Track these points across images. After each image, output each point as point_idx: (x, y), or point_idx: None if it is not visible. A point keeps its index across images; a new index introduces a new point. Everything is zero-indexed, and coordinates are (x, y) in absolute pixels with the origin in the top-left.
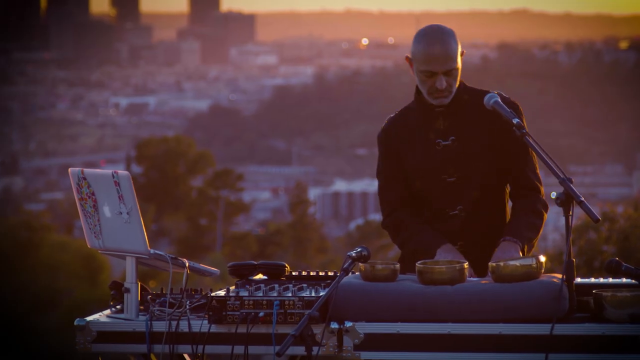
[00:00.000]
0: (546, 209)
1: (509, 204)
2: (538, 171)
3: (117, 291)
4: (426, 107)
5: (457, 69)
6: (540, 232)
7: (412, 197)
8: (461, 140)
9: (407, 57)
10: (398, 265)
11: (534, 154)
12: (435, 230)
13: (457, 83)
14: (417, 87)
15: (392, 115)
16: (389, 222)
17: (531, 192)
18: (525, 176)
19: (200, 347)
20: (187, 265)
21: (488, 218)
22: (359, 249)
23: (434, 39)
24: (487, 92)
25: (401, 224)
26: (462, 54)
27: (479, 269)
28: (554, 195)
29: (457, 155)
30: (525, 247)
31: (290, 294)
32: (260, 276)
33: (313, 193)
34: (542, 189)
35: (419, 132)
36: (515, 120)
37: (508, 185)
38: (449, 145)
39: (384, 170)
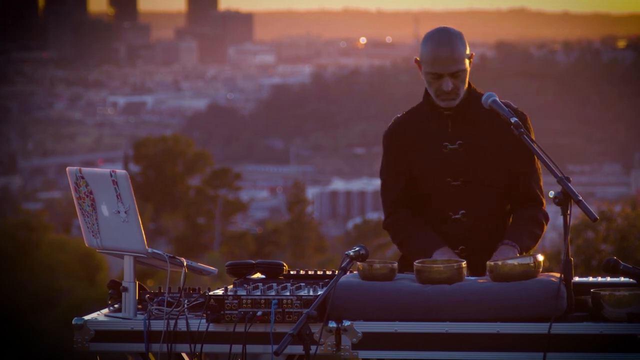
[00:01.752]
0: (547, 220)
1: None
2: (542, 184)
3: (115, 290)
4: (435, 110)
5: (464, 71)
6: (538, 242)
7: (415, 198)
8: (468, 144)
9: (416, 60)
10: (396, 264)
11: (540, 165)
12: (437, 232)
13: (465, 85)
14: (426, 89)
15: (399, 115)
16: (389, 222)
17: (533, 202)
18: (529, 187)
19: (199, 346)
20: (185, 264)
21: (491, 224)
22: (357, 248)
23: (441, 41)
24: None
25: (401, 224)
26: (471, 57)
27: (480, 274)
28: (552, 194)
29: (464, 159)
30: (523, 253)
31: (288, 293)
32: (258, 275)
33: (311, 192)
34: (545, 202)
35: (426, 134)
36: (513, 119)
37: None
38: (456, 149)
39: (387, 169)
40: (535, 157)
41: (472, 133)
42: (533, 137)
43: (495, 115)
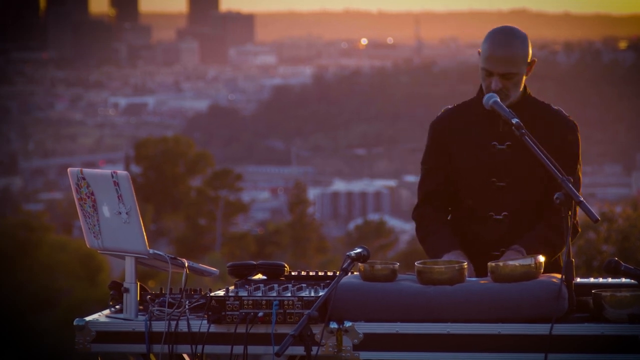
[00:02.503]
0: (573, 231)
1: None
2: (580, 193)
3: (117, 291)
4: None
5: (516, 75)
6: (558, 250)
7: (454, 194)
8: (517, 146)
9: (478, 51)
10: (397, 265)
11: (581, 176)
12: (476, 232)
13: (519, 89)
14: (480, 84)
15: (449, 107)
16: (416, 215)
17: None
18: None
19: (200, 347)
20: (186, 265)
21: (531, 226)
22: (358, 249)
23: (500, 40)
24: (549, 105)
25: (424, 220)
26: (532, 63)
27: None
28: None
29: (511, 160)
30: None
31: (289, 294)
32: (259, 276)
33: (312, 193)
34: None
35: (475, 130)
36: (514, 120)
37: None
38: (504, 149)
39: (428, 160)
40: (578, 168)
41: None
42: (580, 150)
43: (547, 122)
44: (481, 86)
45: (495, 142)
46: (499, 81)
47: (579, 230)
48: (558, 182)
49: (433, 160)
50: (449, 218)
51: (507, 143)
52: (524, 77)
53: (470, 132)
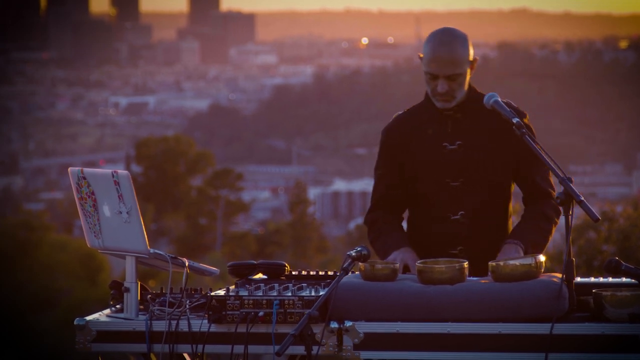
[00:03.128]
0: (557, 213)
1: (512, 214)
2: (550, 177)
3: (117, 291)
4: (435, 110)
5: (461, 75)
6: (550, 236)
7: (412, 197)
8: (468, 145)
9: (419, 56)
10: (398, 265)
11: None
12: (436, 233)
13: (464, 88)
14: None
15: (400, 113)
16: (367, 219)
17: (542, 197)
18: (535, 182)
19: (200, 346)
20: (186, 264)
21: (489, 224)
22: (358, 249)
23: (441, 42)
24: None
25: (375, 223)
26: (474, 62)
27: (480, 274)
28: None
29: (463, 160)
30: (530, 249)
31: (290, 294)
32: (260, 276)
33: (313, 193)
34: (554, 194)
35: (425, 133)
36: (514, 120)
37: (512, 193)
38: (455, 149)
39: (379, 166)
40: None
41: (472, 133)
42: (534, 134)
43: (495, 115)
44: (427, 91)
45: (446, 143)
46: (445, 83)
47: (557, 222)
48: (521, 172)
49: (384, 165)
50: (404, 220)
51: (458, 143)
52: (468, 77)
53: (421, 136)
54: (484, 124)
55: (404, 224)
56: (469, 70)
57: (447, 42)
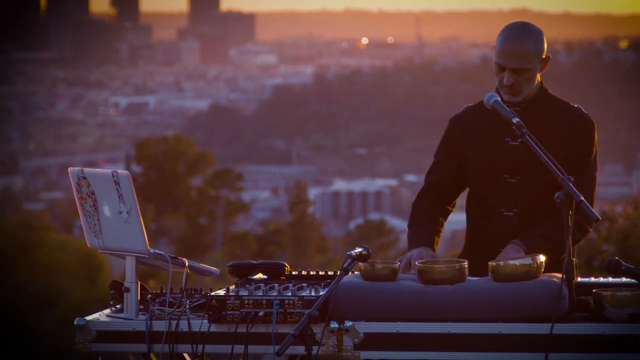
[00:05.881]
0: (580, 230)
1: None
2: (594, 194)
3: (117, 290)
4: (504, 104)
5: (529, 70)
6: (561, 248)
7: (455, 190)
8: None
9: (494, 46)
10: (398, 265)
11: (597, 175)
12: (486, 228)
13: (533, 85)
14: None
15: (470, 105)
16: (414, 204)
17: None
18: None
19: (200, 346)
20: (186, 264)
21: (539, 223)
22: (358, 249)
23: (513, 35)
24: (568, 103)
25: (417, 210)
26: (546, 59)
27: None
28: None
29: (523, 157)
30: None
31: (290, 294)
32: (260, 276)
33: (313, 192)
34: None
35: (491, 127)
36: (515, 120)
37: None
38: (517, 146)
39: (439, 153)
40: (594, 167)
41: (536, 131)
42: (596, 149)
43: (561, 116)
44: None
45: (508, 139)
46: (511, 76)
47: (589, 230)
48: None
49: (444, 153)
50: (452, 212)
51: (520, 140)
52: (538, 74)
53: (485, 129)
54: (549, 123)
55: (455, 216)
56: (540, 68)
57: (517, 35)
